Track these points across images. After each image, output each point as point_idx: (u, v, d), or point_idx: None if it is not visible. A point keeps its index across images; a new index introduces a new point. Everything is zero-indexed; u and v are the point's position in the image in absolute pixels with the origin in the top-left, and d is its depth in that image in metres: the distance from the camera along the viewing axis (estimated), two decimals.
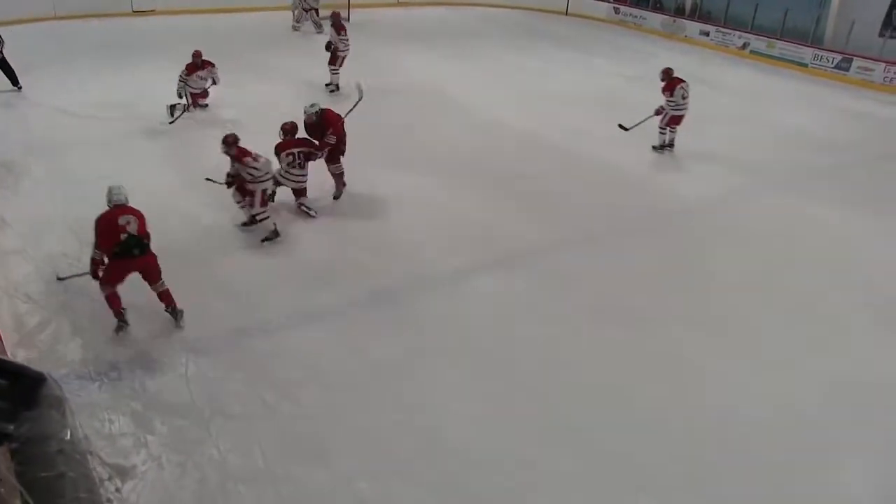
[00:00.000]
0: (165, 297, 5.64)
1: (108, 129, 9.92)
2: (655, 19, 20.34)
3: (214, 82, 10.77)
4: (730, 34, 18.35)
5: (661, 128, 10.15)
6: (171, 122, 10.20)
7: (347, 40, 12.25)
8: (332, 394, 5.08)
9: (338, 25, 12.29)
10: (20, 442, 0.80)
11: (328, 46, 12.29)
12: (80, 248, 6.59)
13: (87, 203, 7.46)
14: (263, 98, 11.48)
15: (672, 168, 9.76)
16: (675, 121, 10.05)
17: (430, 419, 4.86)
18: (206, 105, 10.84)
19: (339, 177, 8.18)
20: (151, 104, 10.74)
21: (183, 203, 7.79)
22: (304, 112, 7.89)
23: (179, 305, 5.73)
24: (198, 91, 10.70)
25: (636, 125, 10.19)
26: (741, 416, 5.03)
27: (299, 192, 7.77)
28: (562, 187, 8.88)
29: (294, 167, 7.55)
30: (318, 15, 17.65)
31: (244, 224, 7.35)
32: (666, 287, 6.71)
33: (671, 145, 10.28)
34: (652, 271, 6.98)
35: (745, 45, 17.96)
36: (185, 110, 10.45)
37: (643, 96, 12.86)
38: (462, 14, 21.56)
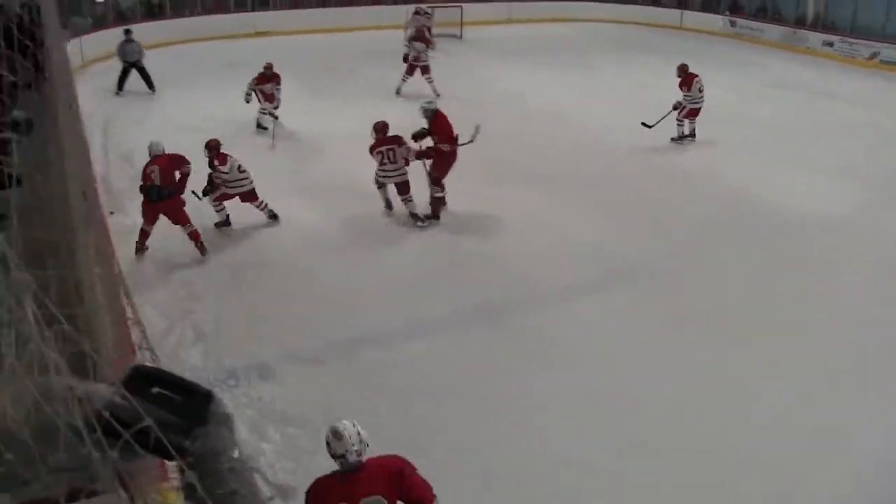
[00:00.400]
0: (193, 236, 6.76)
1: (230, 143, 10.42)
2: (774, 31, 19.54)
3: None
4: (857, 44, 17.35)
5: (678, 120, 10.73)
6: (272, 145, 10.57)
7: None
8: (439, 403, 5.11)
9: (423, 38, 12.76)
10: (194, 457, 0.86)
11: (405, 58, 12.80)
12: (208, 256, 7.01)
13: (207, 215, 7.99)
14: (377, 112, 11.82)
15: (789, 182, 9.30)
16: (692, 113, 10.72)
17: (535, 431, 4.80)
18: (276, 114, 11.20)
19: (437, 201, 7.92)
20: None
21: (294, 213, 8.11)
22: (420, 108, 8.00)
23: (288, 315, 5.98)
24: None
25: (658, 122, 10.57)
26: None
27: (403, 188, 7.79)
28: (674, 203, 8.67)
29: (385, 163, 7.71)
30: (430, 33, 18.07)
31: (218, 224, 7.71)
32: (782, 304, 6.43)
33: (692, 135, 10.88)
34: (769, 287, 6.72)
35: (874, 55, 16.93)
36: (273, 123, 10.94)
37: (756, 109, 12.40)
38: (573, 30, 21.49)
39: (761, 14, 20.44)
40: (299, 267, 6.95)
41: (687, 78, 10.70)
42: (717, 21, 21.12)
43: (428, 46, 12.63)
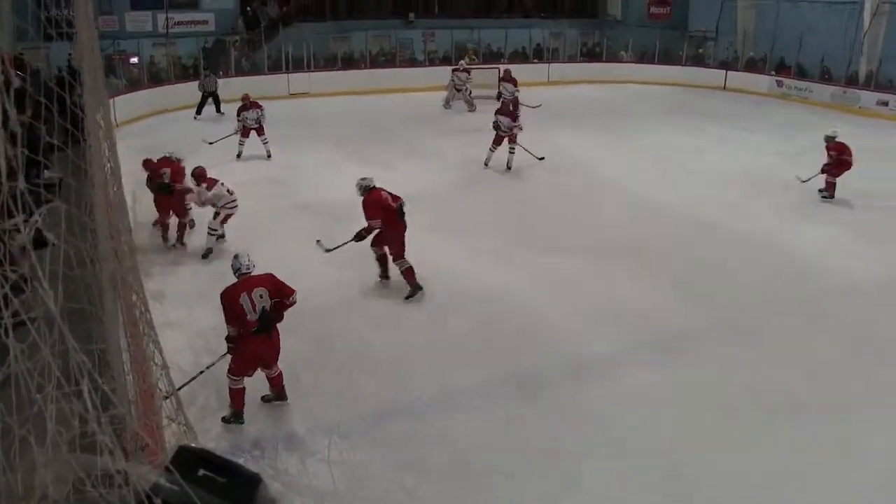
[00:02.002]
0: (181, 226, 7.33)
1: (262, 205, 10.69)
2: (824, 91, 19.62)
3: (260, 122, 13.40)
4: None
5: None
6: (210, 143, 13.27)
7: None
8: (475, 481, 5.03)
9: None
10: None
11: (496, 126, 12.71)
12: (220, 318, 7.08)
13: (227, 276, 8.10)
14: (415, 176, 12.11)
15: (844, 249, 9.24)
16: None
17: None
18: (266, 141, 13.49)
19: (406, 273, 7.77)
20: (303, 180, 11.58)
21: (331, 278, 8.17)
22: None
23: (316, 381, 6.05)
24: (251, 126, 13.41)
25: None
26: None
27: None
28: (722, 268, 8.64)
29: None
30: (469, 94, 18.55)
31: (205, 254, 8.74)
32: (844, 379, 6.29)
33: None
34: (828, 361, 6.57)
35: None
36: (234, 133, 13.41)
37: (807, 172, 12.36)
38: (613, 92, 21.78)
39: (810, 73, 20.56)
40: (327, 332, 6.98)
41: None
42: (763, 81, 21.27)
43: (514, 121, 12.48)
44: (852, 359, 6.64)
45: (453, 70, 19.00)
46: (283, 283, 5.52)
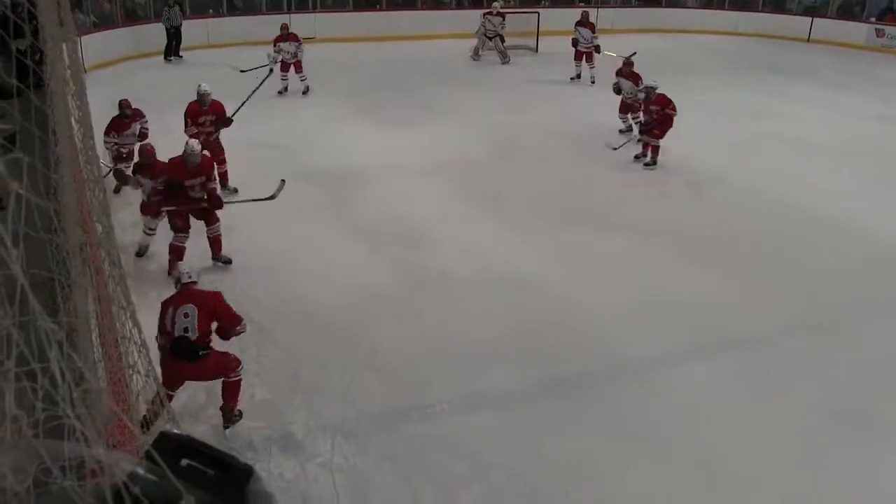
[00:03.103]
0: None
1: (265, 168, 10.66)
2: None
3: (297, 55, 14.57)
4: None
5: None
6: (242, 71, 13.56)
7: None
8: (498, 495, 5.07)
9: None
10: None
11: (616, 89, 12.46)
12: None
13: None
14: (437, 139, 12.15)
15: None
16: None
17: None
18: (304, 77, 14.64)
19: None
20: (304, 143, 11.59)
21: (337, 260, 8.25)
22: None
23: (319, 378, 6.11)
24: (289, 60, 14.50)
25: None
26: None
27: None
28: (796, 259, 8.50)
29: None
30: (503, 43, 18.41)
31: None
32: None
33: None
34: None
35: None
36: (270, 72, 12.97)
37: None
38: (675, 43, 21.59)
39: None
40: (337, 323, 7.01)
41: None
42: (858, 31, 20.90)
43: (637, 83, 11.97)
44: None
45: (484, 14, 18.80)
46: (227, 309, 5.47)
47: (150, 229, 8.23)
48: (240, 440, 5.54)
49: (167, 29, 17.78)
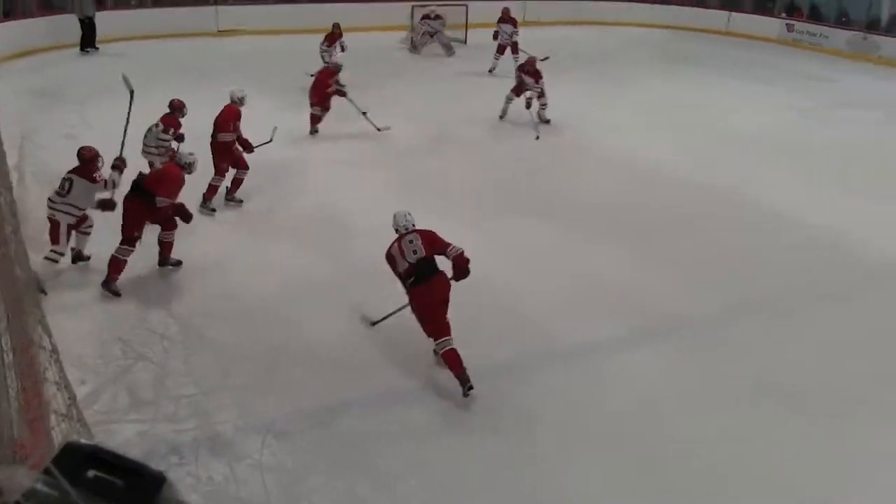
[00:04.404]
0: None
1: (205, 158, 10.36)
2: (840, 37, 19.92)
3: (343, 49, 14.92)
4: None
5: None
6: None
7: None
8: (436, 490, 5.01)
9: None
10: None
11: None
12: (146, 308, 6.95)
13: (154, 253, 7.93)
14: (373, 131, 12.01)
15: (870, 220, 9.34)
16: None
17: None
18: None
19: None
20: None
21: (273, 256, 8.09)
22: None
23: (251, 375, 6.00)
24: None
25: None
26: None
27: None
28: (725, 243, 8.72)
29: None
30: (445, 37, 18.50)
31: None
32: (864, 369, 6.41)
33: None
34: (845, 348, 6.70)
35: None
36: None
37: (820, 132, 12.47)
38: (601, 35, 21.89)
39: (825, 17, 20.80)
40: (270, 319, 6.86)
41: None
42: (771, 25, 21.50)
43: (537, 82, 12.61)
44: (873, 350, 6.73)
45: (423, 17, 18.84)
46: None
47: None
48: (166, 443, 5.35)
49: (80, 20, 17.09)
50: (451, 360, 5.84)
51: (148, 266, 7.66)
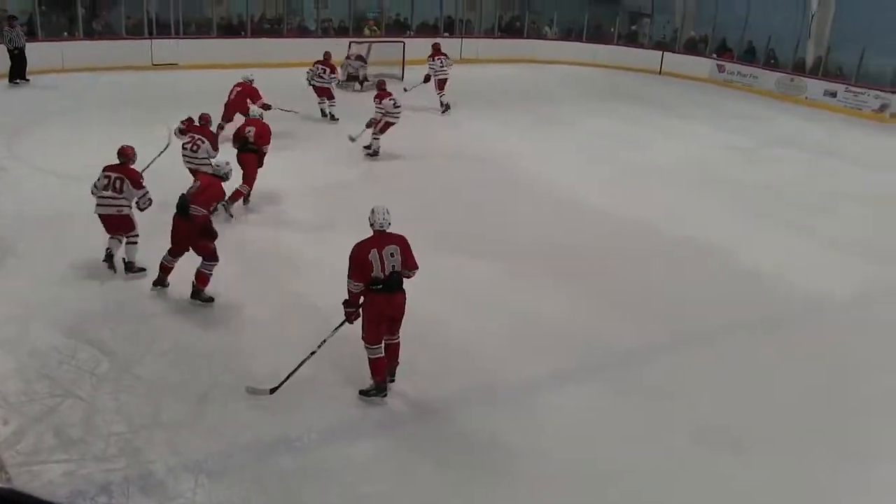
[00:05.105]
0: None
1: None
2: (769, 78, 20.58)
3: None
4: (864, 94, 18.35)
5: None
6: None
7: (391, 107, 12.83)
8: None
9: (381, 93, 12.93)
10: None
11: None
12: (75, 344, 6.73)
13: (85, 287, 7.72)
14: (307, 164, 12.08)
15: (792, 255, 9.61)
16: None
17: None
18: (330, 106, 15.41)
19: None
20: (168, 168, 11.17)
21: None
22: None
23: (183, 412, 5.81)
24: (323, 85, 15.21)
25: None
26: None
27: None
28: (655, 279, 8.81)
29: None
30: (363, 80, 18.66)
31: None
32: (789, 401, 6.53)
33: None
34: (771, 382, 6.80)
35: (883, 108, 17.90)
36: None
37: (749, 169, 12.76)
38: (536, 73, 22.28)
39: (754, 58, 21.52)
40: (204, 353, 6.70)
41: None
42: (703, 65, 22.16)
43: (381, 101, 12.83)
44: (810, 385, 6.81)
45: (347, 57, 18.96)
46: None
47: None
48: (94, 483, 5.15)
49: (10, 51, 16.64)
50: (378, 368, 6.04)
51: (79, 300, 7.45)
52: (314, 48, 20.30)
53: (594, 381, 6.78)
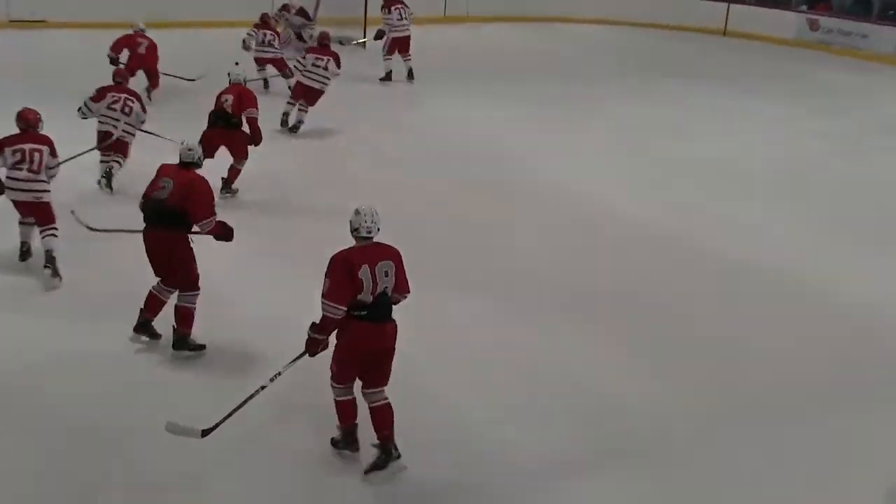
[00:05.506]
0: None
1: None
2: (885, 37, 20.46)
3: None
4: None
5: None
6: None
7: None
8: None
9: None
10: None
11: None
12: None
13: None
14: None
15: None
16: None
17: None
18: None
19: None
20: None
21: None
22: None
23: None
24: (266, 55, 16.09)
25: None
26: None
27: None
28: (706, 322, 8.66)
29: None
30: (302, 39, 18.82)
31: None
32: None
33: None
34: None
35: None
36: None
37: (848, 167, 13.05)
38: (552, 35, 22.43)
39: (863, 9, 21.35)
40: (90, 429, 6.78)
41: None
42: (787, 23, 22.20)
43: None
44: None
45: (283, 8, 19.15)
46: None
47: None
48: None
49: None
50: (346, 413, 6.31)
51: None
52: (236, 4, 20.56)
53: (627, 471, 6.62)
